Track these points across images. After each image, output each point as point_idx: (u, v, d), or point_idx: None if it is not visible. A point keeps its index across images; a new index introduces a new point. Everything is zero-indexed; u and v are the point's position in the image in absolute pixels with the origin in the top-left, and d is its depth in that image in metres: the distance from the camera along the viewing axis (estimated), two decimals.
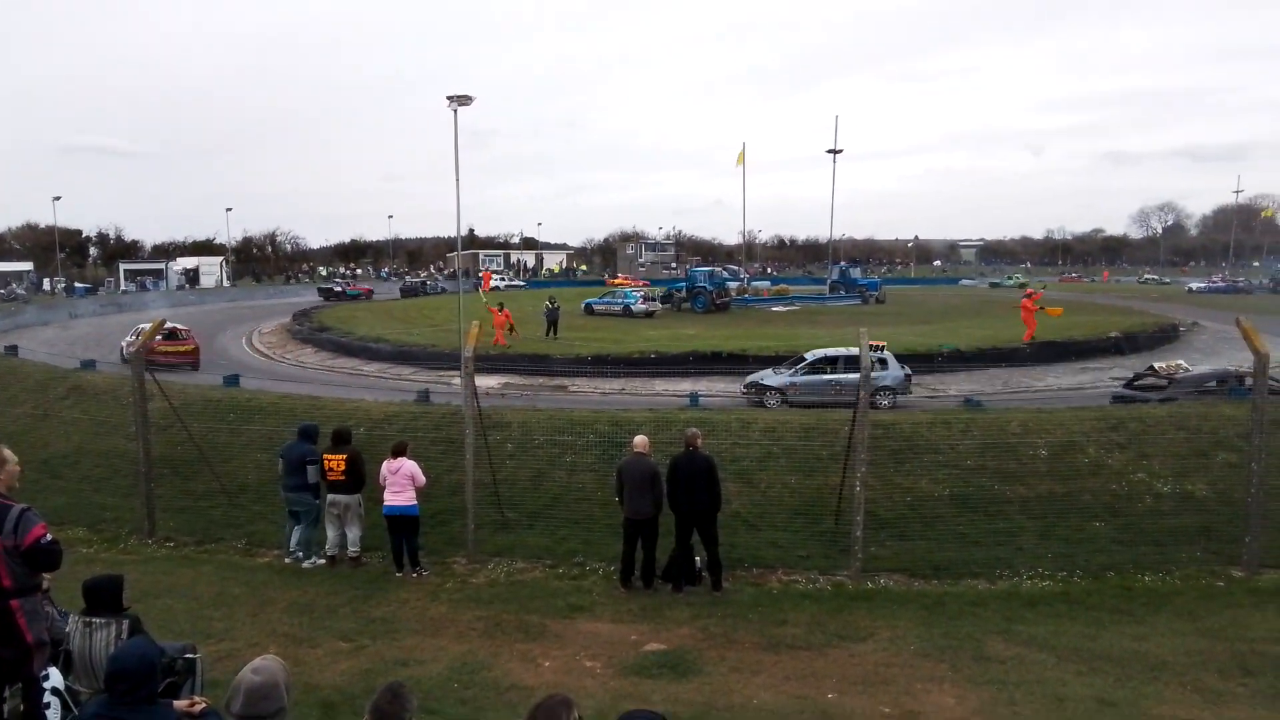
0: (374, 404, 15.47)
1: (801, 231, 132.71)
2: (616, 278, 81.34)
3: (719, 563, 9.40)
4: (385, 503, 10.02)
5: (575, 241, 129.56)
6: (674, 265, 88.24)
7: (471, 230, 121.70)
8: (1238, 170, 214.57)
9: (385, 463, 10.13)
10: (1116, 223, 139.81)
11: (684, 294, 45.86)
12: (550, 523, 11.47)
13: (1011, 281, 75.82)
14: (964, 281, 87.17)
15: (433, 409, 15.03)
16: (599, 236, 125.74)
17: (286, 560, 10.42)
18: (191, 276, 77.65)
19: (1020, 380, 23.37)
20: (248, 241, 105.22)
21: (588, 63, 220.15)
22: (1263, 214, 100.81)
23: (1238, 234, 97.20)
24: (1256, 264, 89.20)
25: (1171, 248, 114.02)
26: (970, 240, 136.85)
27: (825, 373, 19.94)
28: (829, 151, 55.21)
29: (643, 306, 42.96)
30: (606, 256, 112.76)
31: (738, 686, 6.89)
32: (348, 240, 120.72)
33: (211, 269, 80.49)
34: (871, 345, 20.15)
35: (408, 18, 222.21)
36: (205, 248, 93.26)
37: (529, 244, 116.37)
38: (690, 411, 15.36)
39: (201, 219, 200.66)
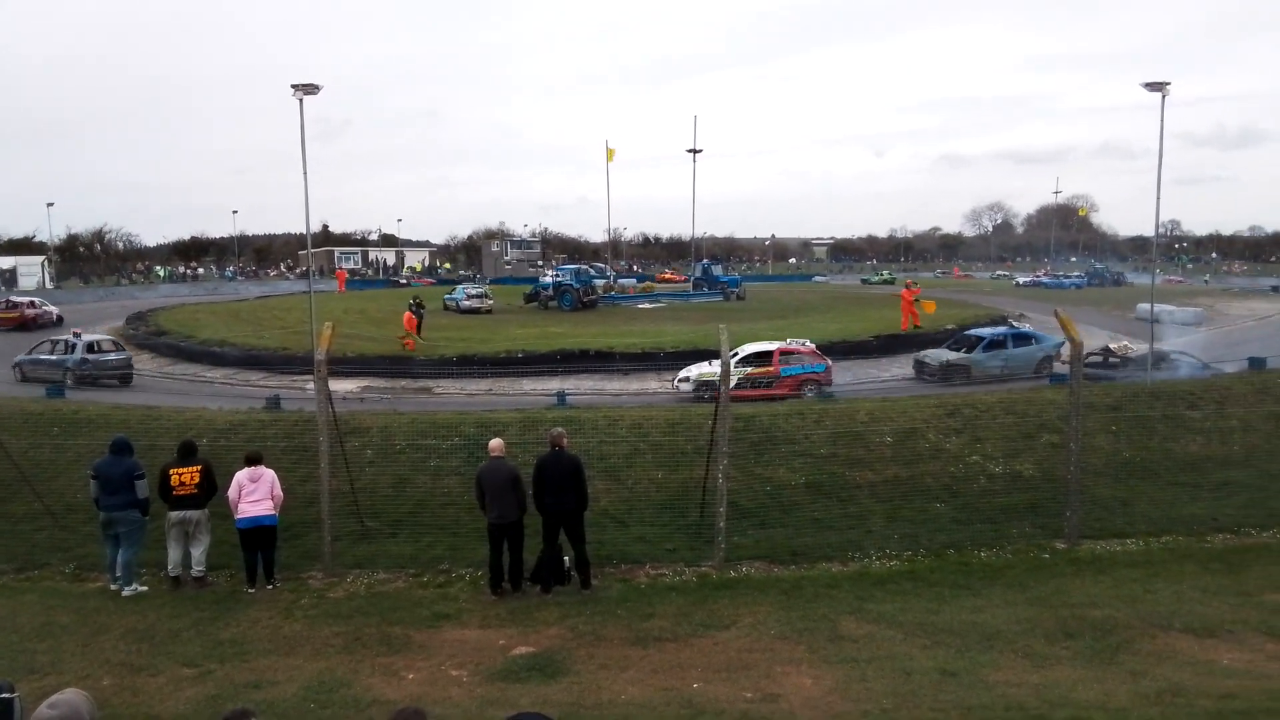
0: (217, 412, 14.57)
1: (665, 229, 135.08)
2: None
3: (587, 561, 9.43)
4: (240, 515, 9.49)
5: (439, 238, 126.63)
6: (540, 263, 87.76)
7: (325, 226, 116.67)
8: (1057, 172, 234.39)
9: (241, 472, 9.60)
10: (953, 221, 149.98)
11: (550, 292, 45.68)
12: (414, 530, 11.16)
13: (878, 279, 79.95)
14: (817, 278, 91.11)
15: (284, 416, 14.31)
16: (463, 233, 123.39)
17: (112, 587, 9.62)
18: (8, 278, 70.38)
19: (868, 371, 24.70)
20: (73, 239, 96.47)
21: (449, 53, 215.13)
22: (1079, 212, 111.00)
23: (1058, 231, 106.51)
24: (1074, 259, 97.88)
25: (1001, 244, 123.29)
26: (822, 238, 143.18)
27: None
28: (689, 151, 56.36)
29: (470, 303, 42.99)
30: (471, 254, 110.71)
31: (606, 683, 6.94)
32: (188, 237, 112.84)
33: (32, 269, 73.19)
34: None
35: (253, 1, 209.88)
36: (23, 246, 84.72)
37: (388, 241, 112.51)
38: (558, 410, 15.32)
39: (17, 215, 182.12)
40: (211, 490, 9.76)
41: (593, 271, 57.30)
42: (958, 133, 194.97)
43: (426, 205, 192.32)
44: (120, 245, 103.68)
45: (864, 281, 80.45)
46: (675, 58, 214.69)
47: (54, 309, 39.51)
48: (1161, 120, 20.07)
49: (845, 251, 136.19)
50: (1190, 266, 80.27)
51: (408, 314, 29.37)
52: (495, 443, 9.58)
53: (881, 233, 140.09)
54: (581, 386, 21.83)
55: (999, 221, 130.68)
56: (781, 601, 8.77)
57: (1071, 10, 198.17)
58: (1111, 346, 22.74)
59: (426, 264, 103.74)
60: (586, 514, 9.58)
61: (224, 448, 12.26)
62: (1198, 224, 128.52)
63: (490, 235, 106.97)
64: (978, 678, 6.69)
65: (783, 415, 13.77)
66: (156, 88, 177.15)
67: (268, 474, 9.65)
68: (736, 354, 21.11)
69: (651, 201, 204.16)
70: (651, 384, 23.10)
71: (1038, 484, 12.09)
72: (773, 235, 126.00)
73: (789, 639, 7.72)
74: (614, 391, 22.18)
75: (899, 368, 25.15)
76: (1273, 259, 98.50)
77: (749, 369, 20.40)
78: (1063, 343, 21.27)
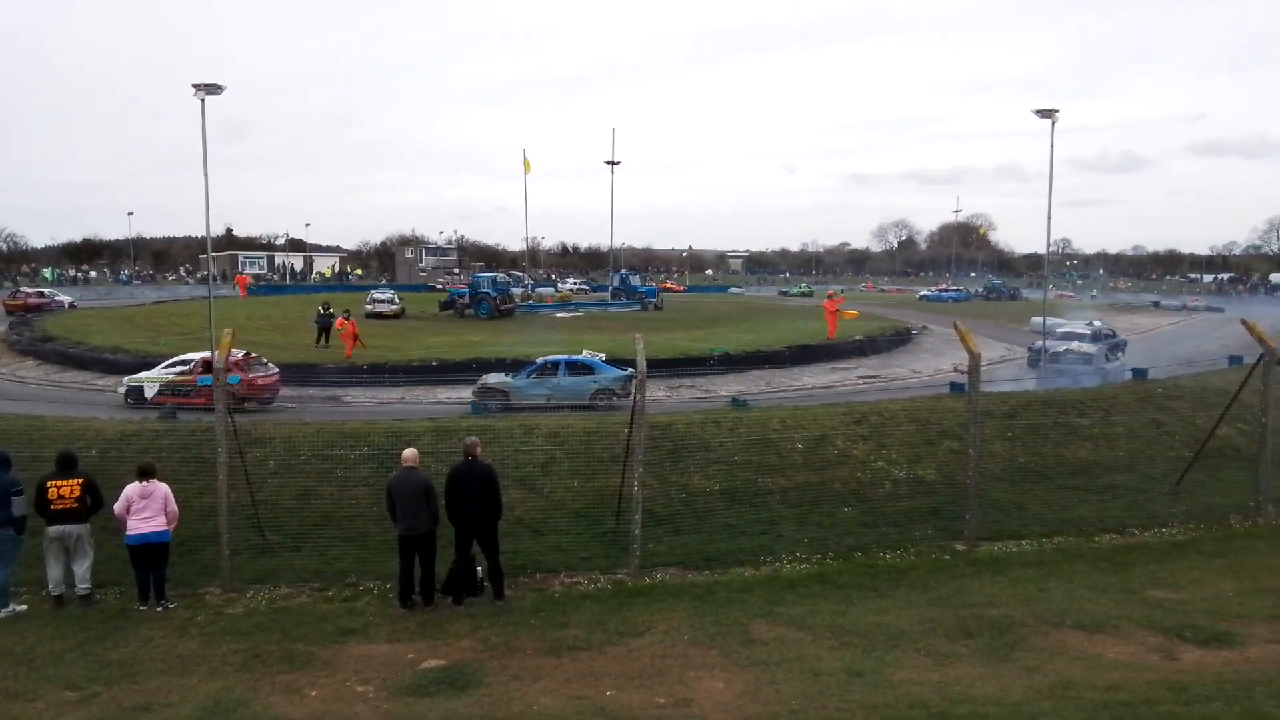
0: (108, 422, 13.82)
1: (585, 239, 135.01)
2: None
3: (501, 571, 9.31)
4: (130, 531, 9.02)
5: (350, 244, 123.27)
6: (456, 270, 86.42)
7: (229, 230, 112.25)
8: (957, 192, 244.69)
9: (131, 487, 9.10)
10: (861, 237, 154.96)
11: (467, 300, 45.06)
12: (320, 543, 10.81)
13: (797, 291, 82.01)
14: (732, 290, 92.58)
15: (180, 426, 13.69)
16: (376, 239, 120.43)
17: None
18: None
19: (781, 380, 25.21)
20: None
21: (362, 55, 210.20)
22: (978, 231, 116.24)
23: (958, 248, 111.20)
24: (973, 274, 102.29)
25: (906, 260, 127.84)
26: (738, 251, 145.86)
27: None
28: (608, 162, 56.57)
29: (379, 307, 42.80)
30: (384, 260, 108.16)
31: (518, 694, 6.85)
32: (79, 239, 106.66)
33: None
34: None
35: None
36: None
37: (296, 245, 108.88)
38: (472, 419, 15.09)
39: None
40: (95, 504, 9.25)
41: (510, 280, 56.84)
42: (865, 152, 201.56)
43: (338, 210, 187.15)
44: (3, 246, 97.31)
45: (782, 293, 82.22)
46: (592, 69, 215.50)
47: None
48: (1051, 145, 21.28)
49: (760, 264, 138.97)
50: (1080, 283, 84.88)
51: (349, 322, 28.01)
52: (408, 452, 9.39)
53: (794, 246, 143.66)
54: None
55: (904, 238, 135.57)
56: (695, 607, 8.83)
57: (969, 38, 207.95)
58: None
59: (337, 269, 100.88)
60: (501, 523, 9.47)
61: (115, 459, 11.62)
62: (1087, 243, 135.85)
63: (404, 241, 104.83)
64: (883, 677, 6.87)
65: (698, 423, 13.93)
66: (44, 81, 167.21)
67: (160, 488, 9.20)
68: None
69: (571, 211, 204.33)
70: None
71: (939, 488, 12.56)
72: (690, 247, 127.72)
73: (702, 644, 7.78)
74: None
75: (809, 377, 25.75)
76: (1153, 276, 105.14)
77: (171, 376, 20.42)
78: (626, 376, 19.94)
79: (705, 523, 11.52)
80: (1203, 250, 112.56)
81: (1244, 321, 13.28)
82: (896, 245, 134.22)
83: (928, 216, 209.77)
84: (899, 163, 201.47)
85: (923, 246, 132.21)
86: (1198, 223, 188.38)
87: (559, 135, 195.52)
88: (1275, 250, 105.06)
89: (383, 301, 44.13)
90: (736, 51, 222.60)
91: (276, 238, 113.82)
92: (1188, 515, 11.98)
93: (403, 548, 9.10)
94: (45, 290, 40.30)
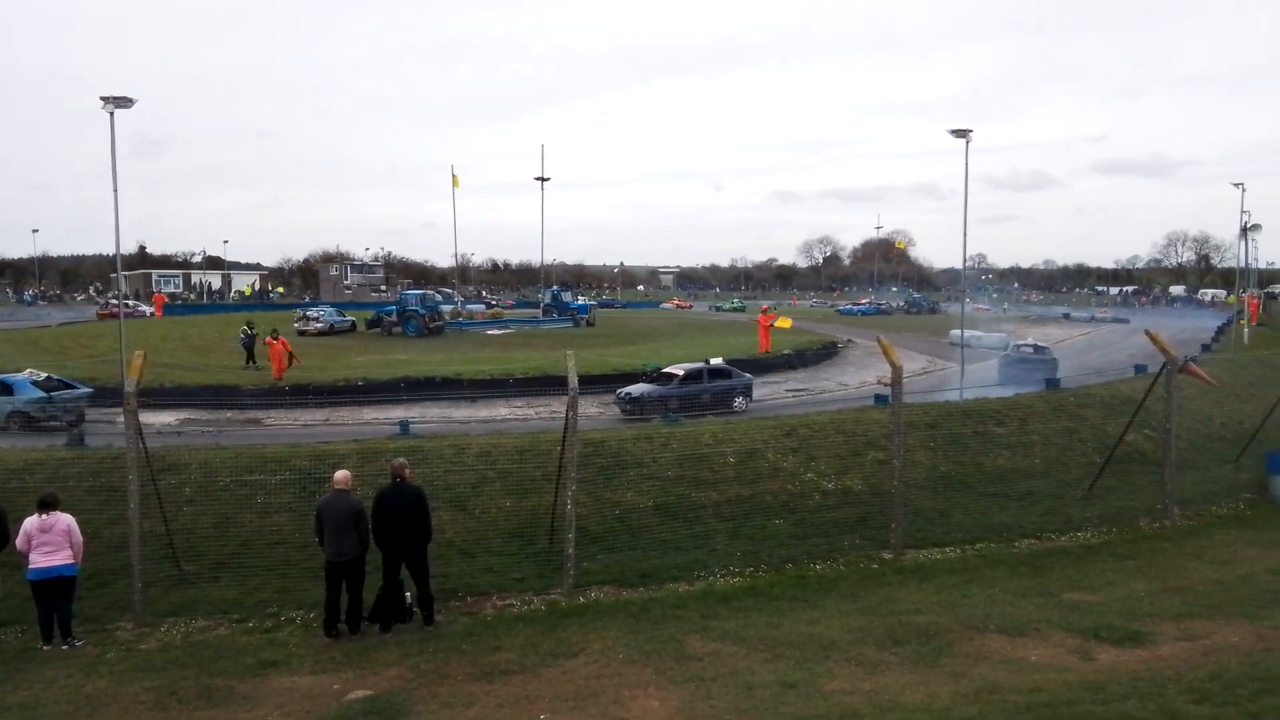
0: (9, 451, 13.05)
1: (515, 255, 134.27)
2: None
3: (431, 596, 9.10)
4: (33, 565, 8.54)
5: (270, 261, 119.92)
6: (384, 288, 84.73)
7: (143, 248, 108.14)
8: (878, 209, 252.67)
9: (30, 520, 8.61)
10: (787, 253, 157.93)
11: (394, 318, 44.22)
12: (239, 572, 10.40)
13: (730, 306, 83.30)
14: (664, 305, 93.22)
15: (88, 453, 13.02)
16: (298, 256, 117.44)
17: None
18: None
19: None
20: None
21: (280, 70, 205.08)
22: (898, 246, 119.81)
23: (880, 263, 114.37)
24: (894, 289, 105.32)
25: (830, 275, 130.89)
26: (669, 267, 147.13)
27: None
28: (537, 179, 56.42)
29: (316, 325, 42.84)
30: (307, 278, 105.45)
31: None
32: None
33: None
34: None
35: (58, 3, 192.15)
36: None
37: (214, 263, 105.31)
38: (400, 440, 14.76)
39: None
40: (2, 537, 8.73)
41: (439, 297, 56.05)
42: (789, 171, 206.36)
43: (257, 227, 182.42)
44: None
45: (715, 309, 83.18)
46: (522, 87, 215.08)
47: None
48: (966, 164, 22.09)
49: (690, 280, 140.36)
50: (995, 296, 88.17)
51: (277, 342, 27.00)
52: (340, 474, 9.12)
53: (724, 262, 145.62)
54: (427, 415, 21.17)
55: (828, 254, 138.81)
56: (630, 625, 8.78)
57: (888, 59, 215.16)
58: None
59: (257, 287, 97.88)
60: (430, 547, 9.27)
61: (17, 490, 10.98)
62: (1001, 258, 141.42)
63: (329, 258, 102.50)
64: (815, 688, 6.94)
65: (631, 439, 13.92)
66: None
67: (63, 519, 8.71)
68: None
69: (501, 227, 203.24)
70: (501, 411, 22.75)
71: (866, 498, 12.82)
72: (621, 263, 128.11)
73: (637, 662, 7.73)
74: (462, 419, 21.65)
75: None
76: (1063, 290, 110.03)
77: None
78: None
79: (639, 539, 11.49)
80: (1108, 264, 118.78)
81: (1148, 332, 13.98)
82: (822, 261, 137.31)
83: (851, 233, 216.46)
84: (822, 181, 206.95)
85: (846, 262, 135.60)
86: (1103, 238, 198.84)
87: (488, 152, 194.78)
88: (1174, 264, 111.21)
89: (312, 319, 44.10)
90: (663, 73, 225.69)
91: (193, 255, 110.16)
92: (1100, 519, 12.49)
93: (329, 574, 8.82)
94: None
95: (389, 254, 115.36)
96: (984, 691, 6.62)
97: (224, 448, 13.62)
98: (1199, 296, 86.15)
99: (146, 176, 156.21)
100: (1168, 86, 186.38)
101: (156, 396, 20.38)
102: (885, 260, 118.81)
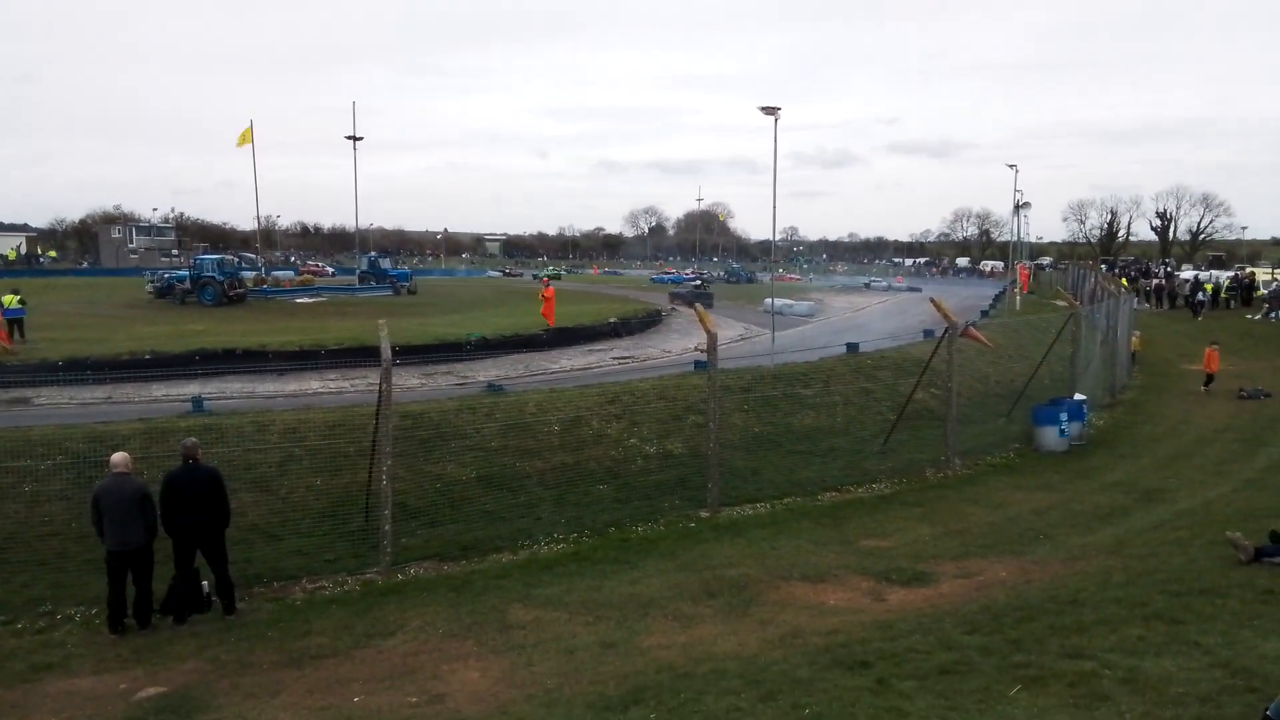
0: None
1: (327, 219, 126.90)
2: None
3: (231, 583, 8.52)
4: None
5: (40, 222, 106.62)
6: (176, 252, 77.48)
7: None
8: (698, 181, 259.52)
9: None
10: (614, 222, 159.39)
11: (188, 285, 40.56)
12: (5, 569, 9.31)
13: (551, 273, 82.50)
14: (490, 273, 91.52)
15: None
16: (73, 216, 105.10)
17: None
18: None
19: (540, 364, 25.32)
20: None
21: (46, 10, 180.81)
22: (719, 217, 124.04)
23: (702, 234, 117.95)
24: (715, 260, 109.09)
25: (656, 245, 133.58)
26: (495, 234, 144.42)
27: None
28: (349, 138, 53.33)
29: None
30: (85, 240, 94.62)
31: (254, 713, 6.30)
32: None
33: None
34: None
35: None
36: None
37: None
38: (194, 418, 13.63)
39: None
40: None
41: (241, 262, 52.01)
42: (613, 140, 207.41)
43: (22, 182, 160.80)
44: None
45: (535, 277, 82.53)
46: (330, 39, 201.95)
47: None
48: (775, 140, 22.98)
49: (517, 247, 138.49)
50: (807, 267, 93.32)
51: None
52: (117, 456, 8.28)
53: (551, 230, 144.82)
54: (227, 390, 19.67)
55: (654, 224, 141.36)
56: (451, 599, 8.64)
57: (705, 35, 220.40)
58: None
59: (24, 251, 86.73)
60: (229, 531, 8.65)
61: None
62: (811, 230, 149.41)
63: (109, 219, 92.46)
64: (634, 645, 7.12)
65: (453, 410, 13.61)
66: None
67: None
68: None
69: (311, 188, 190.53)
70: (312, 384, 21.51)
71: (686, 460, 13.26)
72: (445, 229, 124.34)
73: (457, 635, 7.62)
74: (267, 394, 20.29)
75: (567, 360, 26.11)
76: (865, 261, 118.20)
77: None
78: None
79: (461, 512, 11.29)
80: (904, 237, 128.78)
81: (933, 300, 15.29)
82: (647, 231, 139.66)
83: (674, 204, 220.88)
84: (644, 152, 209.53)
85: (671, 232, 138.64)
86: (899, 213, 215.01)
87: (294, 106, 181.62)
88: (960, 238, 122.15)
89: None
90: (483, 37, 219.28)
91: None
92: (893, 471, 13.61)
93: (111, 565, 8.04)
94: None
95: (181, 215, 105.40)
96: (788, 637, 7.05)
97: None
98: (980, 268, 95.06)
99: None
100: (952, 75, 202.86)
101: None
102: (707, 231, 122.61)
